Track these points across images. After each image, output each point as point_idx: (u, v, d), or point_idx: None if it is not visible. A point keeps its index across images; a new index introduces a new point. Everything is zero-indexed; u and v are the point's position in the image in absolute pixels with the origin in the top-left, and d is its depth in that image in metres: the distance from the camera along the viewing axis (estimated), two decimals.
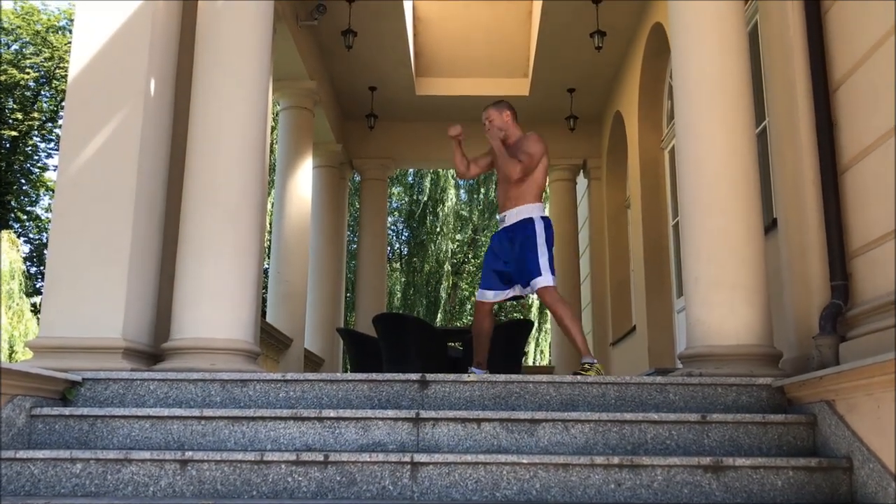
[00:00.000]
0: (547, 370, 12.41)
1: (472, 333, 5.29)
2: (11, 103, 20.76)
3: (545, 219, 5.14)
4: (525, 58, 10.69)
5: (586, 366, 4.71)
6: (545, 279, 4.95)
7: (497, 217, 5.33)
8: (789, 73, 4.31)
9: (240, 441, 3.77)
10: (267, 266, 10.87)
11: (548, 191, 12.82)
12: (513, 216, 5.15)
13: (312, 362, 9.75)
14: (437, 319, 22.05)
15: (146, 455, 3.46)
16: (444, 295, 22.51)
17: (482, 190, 23.33)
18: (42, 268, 21.14)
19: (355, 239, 15.15)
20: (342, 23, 8.91)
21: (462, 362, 7.33)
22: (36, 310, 15.58)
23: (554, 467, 3.40)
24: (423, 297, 22.35)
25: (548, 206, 13.29)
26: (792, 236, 4.32)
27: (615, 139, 10.92)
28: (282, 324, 8.56)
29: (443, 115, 10.89)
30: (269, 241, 9.45)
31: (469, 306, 24.57)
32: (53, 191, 4.96)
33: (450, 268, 23.09)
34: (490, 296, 5.16)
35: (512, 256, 5.10)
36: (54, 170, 21.58)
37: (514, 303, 22.10)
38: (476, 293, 5.25)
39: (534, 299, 22.07)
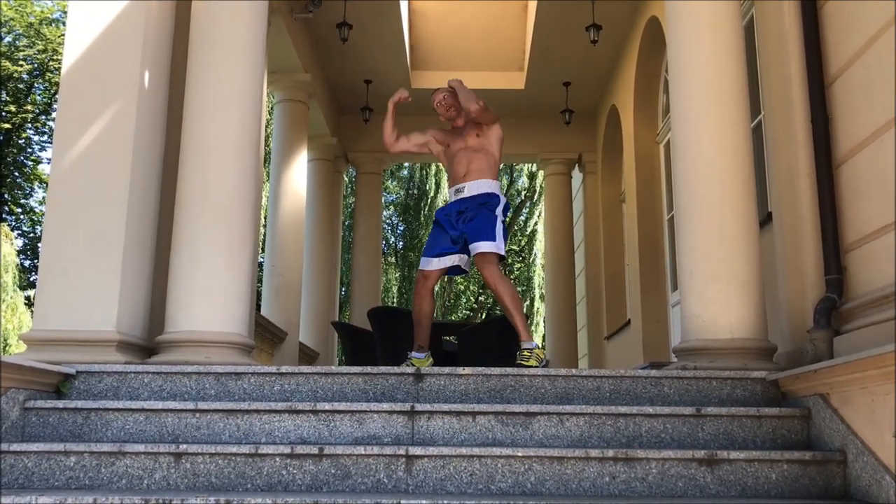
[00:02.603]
0: None
1: (413, 316, 5.11)
2: (4, 96, 20.67)
3: (503, 198, 5.08)
4: (520, 51, 10.68)
5: (526, 353, 4.70)
6: (494, 245, 4.84)
7: (449, 190, 5.20)
8: (785, 68, 4.31)
9: (234, 434, 3.76)
10: (261, 259, 10.84)
11: (543, 184, 12.83)
12: (473, 188, 5.04)
13: (307, 355, 9.75)
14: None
15: (140, 448, 3.45)
16: (439, 289, 22.51)
17: None
18: (36, 261, 21.07)
19: (350, 233, 15.13)
20: (337, 15, 8.89)
21: (457, 355, 7.34)
22: (30, 303, 15.54)
23: (549, 460, 3.41)
24: None
25: (542, 199, 13.30)
26: (787, 230, 4.33)
27: (610, 133, 10.92)
28: (276, 317, 8.55)
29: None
30: (264, 234, 9.43)
31: (464, 300, 24.58)
32: (47, 184, 4.95)
33: None
34: (432, 263, 4.99)
35: (466, 221, 4.97)
36: (48, 163, 21.46)
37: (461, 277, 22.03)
38: (420, 263, 5.08)
39: (531, 296, 22.08)
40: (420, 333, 5.04)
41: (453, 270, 5.11)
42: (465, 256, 5.05)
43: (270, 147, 9.69)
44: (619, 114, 10.19)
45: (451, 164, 5.24)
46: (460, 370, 4.08)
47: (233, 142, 4.71)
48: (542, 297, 20.88)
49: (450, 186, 5.26)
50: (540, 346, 4.75)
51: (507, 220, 5.04)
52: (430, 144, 5.37)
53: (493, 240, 4.87)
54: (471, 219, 4.97)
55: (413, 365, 4.86)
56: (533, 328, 22.53)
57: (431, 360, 5.04)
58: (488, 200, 5.01)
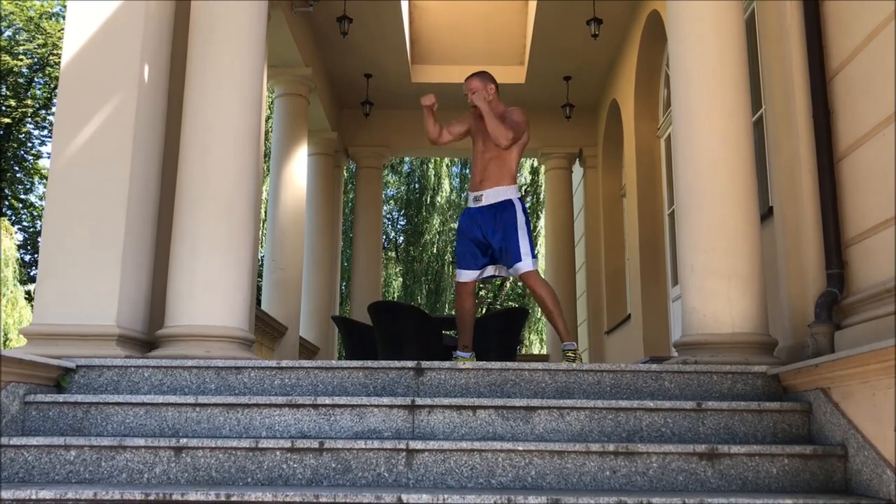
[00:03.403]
0: (541, 358, 12.42)
1: (456, 317, 5.27)
2: (4, 90, 20.65)
3: (521, 200, 5.15)
4: (521, 46, 10.66)
5: (570, 353, 4.80)
6: (527, 264, 4.95)
7: (469, 195, 5.27)
8: (786, 61, 4.30)
9: (235, 428, 3.76)
10: (262, 254, 10.84)
11: (543, 179, 12.82)
12: (491, 196, 5.10)
13: (307, 350, 9.76)
14: (438, 308, 22.00)
15: (140, 442, 3.45)
16: (444, 284, 22.46)
17: None
18: (36, 256, 21.08)
19: (351, 227, 15.12)
20: (337, 9, 8.87)
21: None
22: (30, 297, 15.55)
23: (549, 454, 3.41)
24: (422, 286, 22.32)
25: (543, 194, 13.29)
26: (788, 225, 4.32)
27: (611, 127, 10.91)
28: (276, 311, 8.56)
29: (439, 102, 10.80)
30: (264, 228, 9.43)
31: None
32: (47, 178, 4.94)
33: (450, 257, 23.09)
34: (467, 276, 5.12)
35: (495, 236, 5.04)
36: (48, 157, 21.44)
37: (497, 282, 22.12)
38: (455, 275, 5.24)
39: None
40: (464, 333, 5.18)
41: (488, 278, 5.25)
42: (498, 265, 5.15)
43: (271, 142, 9.67)
44: (620, 108, 10.18)
45: (472, 163, 5.33)
46: (461, 364, 4.08)
47: (233, 134, 4.70)
48: None
49: (469, 189, 5.31)
50: (576, 347, 4.87)
51: (533, 225, 5.13)
52: (468, 128, 5.40)
53: (522, 259, 4.96)
54: (499, 240, 5.03)
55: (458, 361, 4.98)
56: (535, 322, 22.55)
57: (474, 359, 5.16)
58: (506, 209, 5.06)
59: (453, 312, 23.03)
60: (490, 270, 5.16)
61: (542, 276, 20.96)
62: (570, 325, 11.28)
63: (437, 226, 22.69)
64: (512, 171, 5.16)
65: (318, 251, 10.59)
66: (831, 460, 3.36)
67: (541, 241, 20.77)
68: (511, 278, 5.32)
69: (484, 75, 5.34)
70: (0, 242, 15.29)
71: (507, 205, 5.07)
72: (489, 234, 5.06)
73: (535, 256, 5.02)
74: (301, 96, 9.31)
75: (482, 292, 24.49)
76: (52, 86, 21.25)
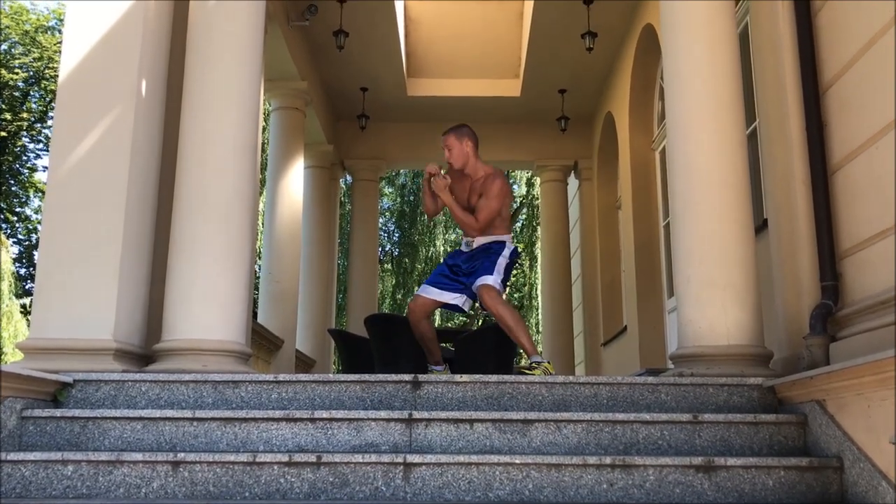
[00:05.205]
0: None
1: (419, 341, 5.16)
2: (0, 104, 20.66)
3: (514, 249, 5.08)
4: (516, 58, 10.70)
5: (533, 364, 4.72)
6: (493, 279, 4.87)
7: (462, 240, 5.21)
8: (780, 74, 4.33)
9: (232, 442, 3.76)
10: (258, 266, 10.84)
11: (538, 192, 12.85)
12: (482, 240, 5.06)
13: (304, 363, 9.74)
14: (432, 320, 21.95)
15: (138, 457, 3.45)
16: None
17: None
18: (31, 269, 21.04)
19: (347, 240, 15.13)
20: (334, 23, 8.90)
21: (454, 363, 7.33)
22: (26, 311, 15.51)
23: (546, 467, 3.41)
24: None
25: (539, 206, 13.32)
26: (782, 237, 4.34)
27: (606, 140, 10.94)
28: (273, 324, 8.55)
29: (434, 115, 10.89)
30: (261, 241, 9.43)
31: None
32: (43, 192, 4.95)
33: None
34: (433, 292, 5.02)
35: (472, 262, 5.02)
36: (44, 171, 21.49)
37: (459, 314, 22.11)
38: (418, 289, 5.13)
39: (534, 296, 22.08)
40: (432, 353, 5.14)
41: (450, 307, 5.10)
42: (467, 297, 5.04)
43: (267, 155, 9.69)
44: (615, 121, 10.21)
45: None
46: (458, 378, 4.09)
47: (231, 146, 4.72)
48: (536, 304, 20.86)
49: (463, 236, 5.25)
50: (550, 361, 4.79)
51: (515, 265, 5.06)
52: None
53: (491, 274, 4.90)
54: (475, 266, 5.00)
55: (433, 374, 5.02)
56: (531, 334, 22.48)
57: (448, 370, 5.21)
58: (493, 246, 5.03)
59: (448, 325, 22.95)
60: (453, 297, 5.00)
61: (538, 288, 20.73)
62: (567, 337, 11.28)
63: (431, 237, 22.68)
64: (501, 223, 5.08)
65: (314, 264, 10.59)
66: (827, 472, 3.37)
67: (537, 253, 20.80)
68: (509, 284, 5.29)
69: (461, 131, 5.14)
70: None
71: (498, 242, 5.04)
72: (468, 264, 5.03)
73: (502, 284, 4.92)
74: (297, 109, 9.33)
75: (477, 304, 24.46)
76: (47, 99, 21.26)
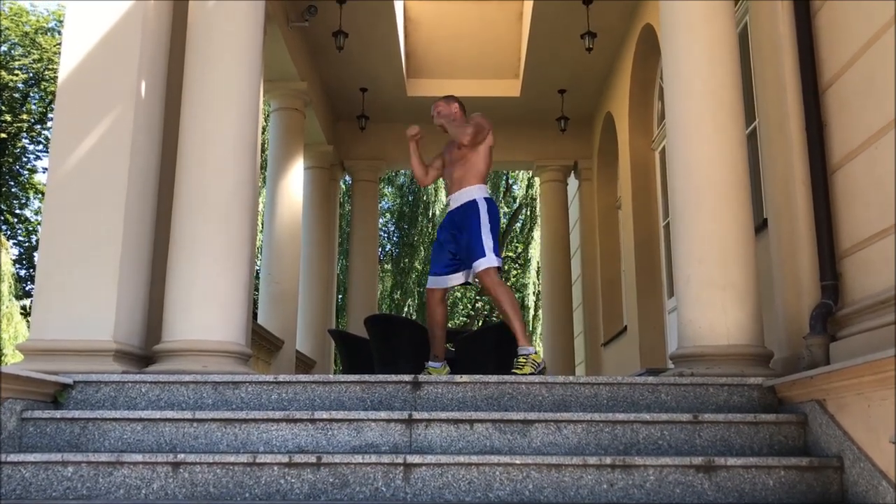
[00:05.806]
0: None
1: (427, 326, 5.28)
2: (0, 105, 20.66)
3: (488, 200, 5.16)
4: (516, 59, 10.70)
5: (521, 359, 4.74)
6: (488, 260, 4.95)
7: (445, 200, 5.42)
8: (779, 74, 4.33)
9: (232, 443, 3.76)
10: (258, 267, 10.84)
11: (538, 192, 12.85)
12: (456, 199, 5.19)
13: (304, 364, 9.74)
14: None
15: (138, 458, 3.45)
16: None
17: None
18: (31, 271, 21.04)
19: (347, 240, 15.12)
20: (333, 24, 8.90)
21: (455, 363, 7.33)
22: (25, 312, 15.51)
23: (546, 468, 3.41)
24: (412, 298, 22.30)
25: (539, 206, 13.31)
26: (782, 237, 4.34)
27: (606, 140, 10.95)
28: (273, 325, 8.55)
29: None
30: (260, 242, 9.43)
31: (461, 307, 24.55)
32: (43, 193, 4.95)
33: None
34: (437, 282, 5.16)
35: (460, 245, 5.10)
36: (44, 172, 21.49)
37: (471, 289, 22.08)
38: (427, 281, 5.27)
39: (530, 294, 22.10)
40: (435, 343, 5.17)
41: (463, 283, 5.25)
42: (466, 270, 5.15)
43: (267, 155, 9.69)
44: (615, 121, 10.22)
45: (444, 170, 5.43)
46: (458, 378, 4.08)
47: (231, 146, 4.72)
48: (537, 303, 20.85)
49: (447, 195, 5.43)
50: (537, 351, 4.80)
51: (502, 228, 5.15)
52: (443, 158, 5.49)
53: (484, 255, 4.96)
54: (464, 241, 5.08)
55: (430, 373, 5.01)
56: (531, 332, 22.54)
57: (448, 369, 5.18)
58: (471, 208, 5.11)
59: (448, 325, 22.99)
60: (458, 278, 5.15)
61: (539, 288, 20.75)
62: (567, 338, 11.28)
63: (430, 238, 22.68)
64: (479, 171, 5.21)
65: (314, 264, 10.59)
66: (827, 472, 3.37)
67: (536, 253, 20.81)
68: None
69: (448, 98, 5.49)
70: None
71: (472, 205, 5.11)
72: (457, 235, 5.13)
73: (498, 255, 5.01)
74: (297, 110, 9.34)
75: (478, 304, 24.49)
76: (47, 101, 21.25)
